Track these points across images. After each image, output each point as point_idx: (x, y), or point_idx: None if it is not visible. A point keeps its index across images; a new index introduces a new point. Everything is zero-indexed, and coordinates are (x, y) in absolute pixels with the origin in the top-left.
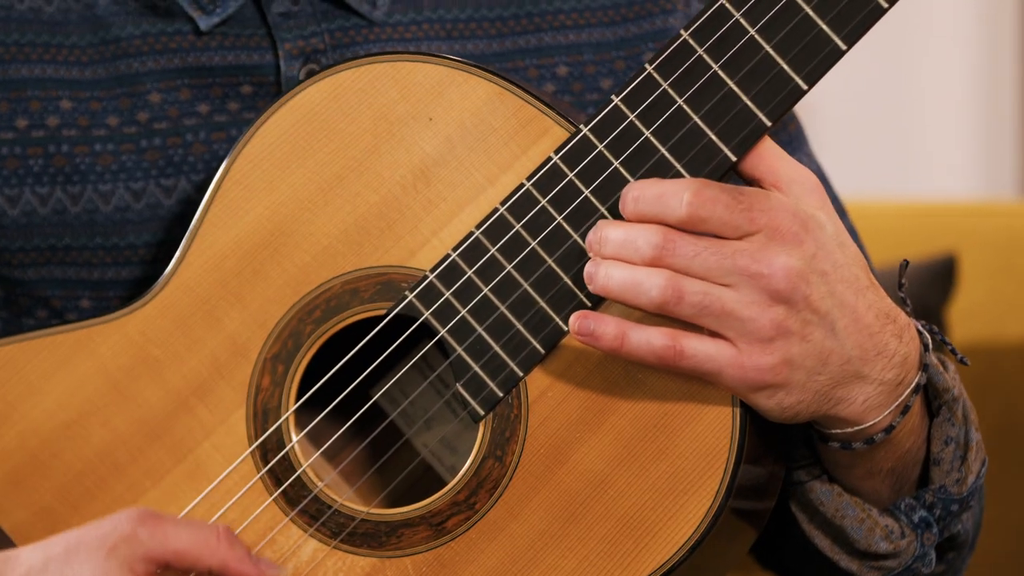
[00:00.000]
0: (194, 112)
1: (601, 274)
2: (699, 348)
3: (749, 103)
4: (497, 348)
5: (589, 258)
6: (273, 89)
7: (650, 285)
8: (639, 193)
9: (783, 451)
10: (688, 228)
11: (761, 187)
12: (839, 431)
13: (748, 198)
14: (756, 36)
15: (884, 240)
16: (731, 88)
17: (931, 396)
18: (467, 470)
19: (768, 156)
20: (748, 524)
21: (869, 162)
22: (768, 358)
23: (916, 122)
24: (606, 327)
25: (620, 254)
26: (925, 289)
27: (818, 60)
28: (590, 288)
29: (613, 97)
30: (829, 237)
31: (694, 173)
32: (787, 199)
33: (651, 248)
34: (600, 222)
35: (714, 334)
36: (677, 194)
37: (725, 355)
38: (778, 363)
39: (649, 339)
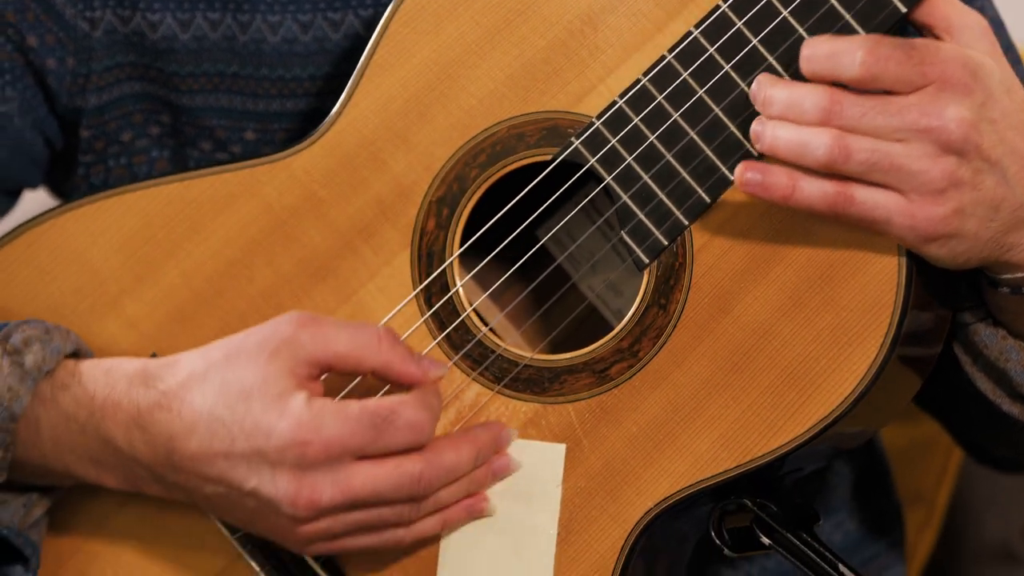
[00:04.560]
0: None
1: (768, 134)
2: (869, 196)
3: None
4: (663, 196)
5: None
6: None
7: (817, 144)
8: (811, 52)
9: (950, 297)
10: (861, 86)
11: (932, 34)
12: (1009, 276)
13: (919, 52)
14: None
15: None
16: None
17: None
18: (631, 318)
19: (939, 3)
20: (914, 371)
21: None
22: (940, 208)
23: None
24: (777, 177)
25: (787, 115)
26: None
27: None
28: (757, 147)
29: None
30: (997, 84)
31: (864, 24)
32: (957, 48)
33: (817, 111)
34: (764, 78)
35: (885, 187)
36: (850, 52)
37: (895, 203)
38: (950, 213)
39: (821, 186)
